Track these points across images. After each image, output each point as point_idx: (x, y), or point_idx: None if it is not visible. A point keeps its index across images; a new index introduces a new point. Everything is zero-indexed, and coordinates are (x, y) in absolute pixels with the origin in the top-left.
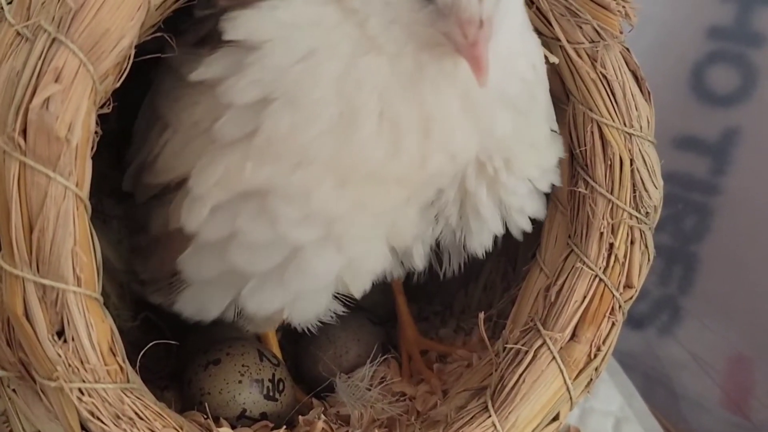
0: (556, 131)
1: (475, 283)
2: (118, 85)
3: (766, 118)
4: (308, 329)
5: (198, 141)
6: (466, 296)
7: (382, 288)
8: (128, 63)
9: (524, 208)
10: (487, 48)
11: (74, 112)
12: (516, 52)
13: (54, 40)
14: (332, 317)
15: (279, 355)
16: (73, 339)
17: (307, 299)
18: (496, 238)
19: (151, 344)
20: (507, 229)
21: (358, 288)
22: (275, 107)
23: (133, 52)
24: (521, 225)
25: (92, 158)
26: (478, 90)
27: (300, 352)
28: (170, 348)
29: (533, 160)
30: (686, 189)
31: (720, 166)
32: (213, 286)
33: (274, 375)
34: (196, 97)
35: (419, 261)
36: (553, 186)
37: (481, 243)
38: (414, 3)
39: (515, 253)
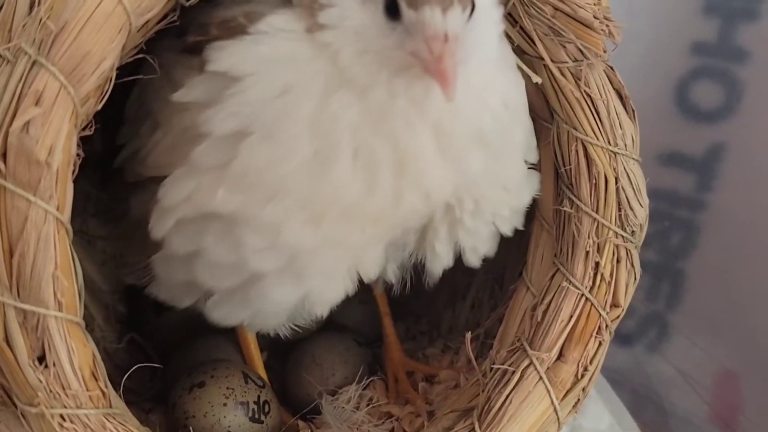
0: (534, 165)
1: (462, 302)
2: (100, 107)
3: (750, 134)
4: (294, 350)
5: (187, 145)
6: (454, 315)
7: (368, 309)
8: (110, 85)
9: (479, 248)
10: (453, 62)
11: (55, 136)
12: (488, 87)
13: (34, 62)
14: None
15: (264, 376)
16: (54, 364)
17: (267, 316)
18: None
19: (135, 367)
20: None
21: (319, 312)
22: (252, 140)
23: (114, 74)
24: (472, 262)
25: (76, 178)
26: (451, 122)
27: (286, 374)
28: (155, 369)
29: (504, 202)
30: (672, 205)
31: (706, 182)
32: (182, 287)
33: (259, 397)
34: (183, 105)
35: (391, 277)
36: (538, 206)
37: (432, 272)
38: (383, 29)
39: (502, 272)
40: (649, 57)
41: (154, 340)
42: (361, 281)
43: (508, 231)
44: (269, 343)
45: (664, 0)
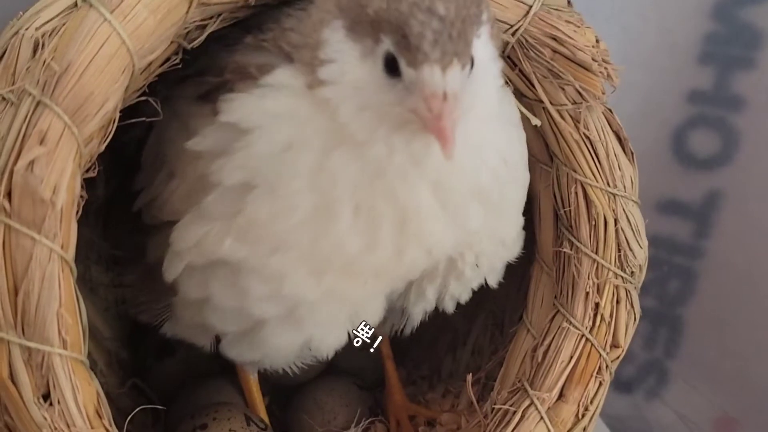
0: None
1: (462, 347)
2: (103, 148)
3: (747, 181)
4: (296, 394)
5: (201, 193)
6: (454, 360)
7: (368, 353)
8: (113, 126)
9: (462, 297)
10: (452, 121)
11: (59, 175)
12: (487, 143)
13: (39, 103)
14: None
15: (266, 419)
16: (59, 402)
17: (275, 356)
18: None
19: (138, 409)
20: (493, 292)
21: (324, 354)
22: (257, 194)
23: (118, 115)
24: (448, 308)
25: (79, 225)
26: (449, 178)
27: (288, 418)
28: (158, 414)
29: (500, 256)
30: (670, 252)
31: (703, 230)
32: (197, 327)
33: None
34: (197, 154)
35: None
36: (538, 248)
37: (413, 315)
38: (382, 85)
39: (502, 316)
40: (646, 105)
41: (157, 384)
42: None
43: (494, 284)
44: (271, 388)
45: (660, 49)
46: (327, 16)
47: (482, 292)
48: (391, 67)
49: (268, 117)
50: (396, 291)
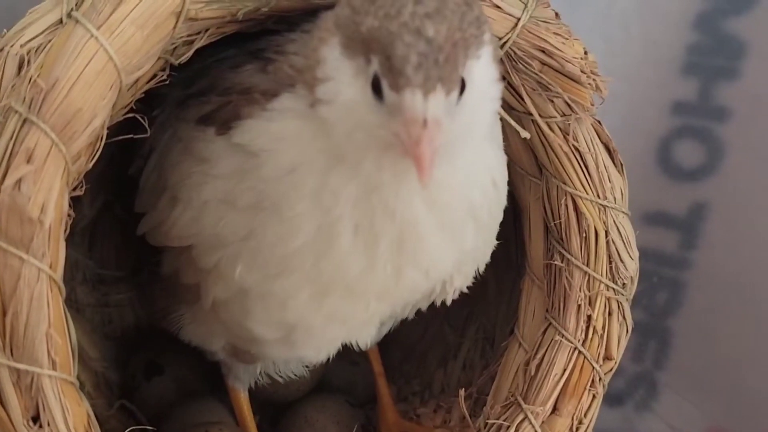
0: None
1: (453, 361)
2: (90, 166)
3: (733, 191)
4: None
5: (208, 216)
6: (445, 376)
7: (359, 370)
8: (101, 144)
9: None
10: (431, 149)
11: (47, 193)
12: (479, 163)
13: (25, 120)
14: None
15: None
16: (48, 424)
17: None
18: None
19: (129, 430)
20: (483, 306)
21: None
22: (264, 216)
23: (105, 133)
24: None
25: (66, 246)
26: (443, 196)
27: None
28: None
29: (471, 278)
30: (657, 264)
31: (690, 241)
32: (209, 336)
33: None
34: (203, 178)
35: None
36: (528, 262)
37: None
38: (371, 105)
39: (493, 331)
40: (631, 118)
41: (145, 405)
42: None
43: (448, 301)
44: (261, 406)
45: (643, 61)
46: (325, 35)
47: (473, 306)
48: (378, 88)
49: (275, 141)
50: (395, 314)
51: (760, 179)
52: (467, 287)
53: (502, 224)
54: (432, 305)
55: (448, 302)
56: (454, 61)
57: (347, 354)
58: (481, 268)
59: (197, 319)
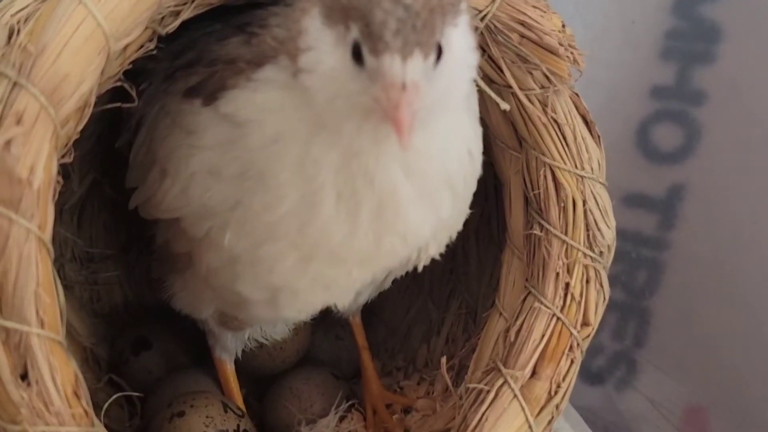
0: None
1: (437, 336)
2: (78, 132)
3: (710, 173)
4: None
5: (196, 187)
6: (429, 350)
7: (344, 344)
8: (89, 110)
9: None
10: (410, 112)
11: (36, 155)
12: (456, 131)
13: (15, 84)
14: None
15: (243, 408)
16: (36, 382)
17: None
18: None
19: (115, 396)
20: (466, 282)
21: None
22: (250, 186)
23: (93, 99)
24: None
25: (54, 224)
26: (418, 162)
27: (264, 408)
28: (134, 410)
29: (442, 248)
30: (636, 245)
31: (668, 222)
32: (198, 303)
33: (239, 426)
34: (191, 150)
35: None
36: (509, 234)
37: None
38: (351, 73)
39: (475, 306)
40: (610, 102)
41: (134, 379)
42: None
43: (420, 268)
44: (247, 380)
45: (622, 45)
46: (307, 5)
47: (456, 282)
48: (358, 55)
49: (259, 111)
50: (375, 281)
51: (735, 160)
52: (450, 264)
53: (484, 200)
54: (416, 283)
55: (419, 269)
56: (431, 26)
57: (332, 328)
58: (453, 237)
59: (187, 287)
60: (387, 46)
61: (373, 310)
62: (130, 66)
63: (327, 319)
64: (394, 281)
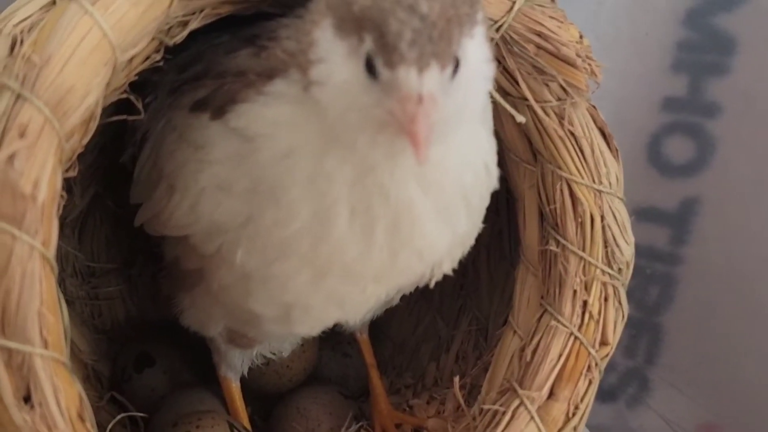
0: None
1: (446, 354)
2: (83, 147)
3: (723, 187)
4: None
5: (206, 203)
6: (438, 368)
7: (351, 362)
8: (94, 123)
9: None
10: (427, 125)
11: (40, 169)
12: (472, 145)
13: (18, 96)
14: None
15: (248, 426)
16: (40, 404)
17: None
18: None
19: (119, 417)
20: (476, 299)
21: None
22: (261, 201)
23: (99, 112)
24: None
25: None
26: (435, 176)
27: (271, 427)
28: (137, 430)
29: (455, 264)
30: (649, 260)
31: (681, 236)
32: (207, 320)
33: None
34: (199, 165)
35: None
36: (523, 250)
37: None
38: (365, 85)
39: (486, 323)
40: (621, 114)
41: (136, 397)
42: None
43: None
44: (253, 398)
45: (633, 57)
46: (317, 17)
47: (465, 299)
48: (371, 67)
49: (270, 125)
50: (388, 297)
51: (750, 174)
52: (461, 280)
53: (496, 215)
54: (424, 299)
55: (431, 286)
56: (448, 37)
57: (339, 346)
58: (466, 252)
59: (196, 305)
60: (402, 58)
61: (380, 326)
62: (136, 77)
63: (334, 337)
64: (403, 297)
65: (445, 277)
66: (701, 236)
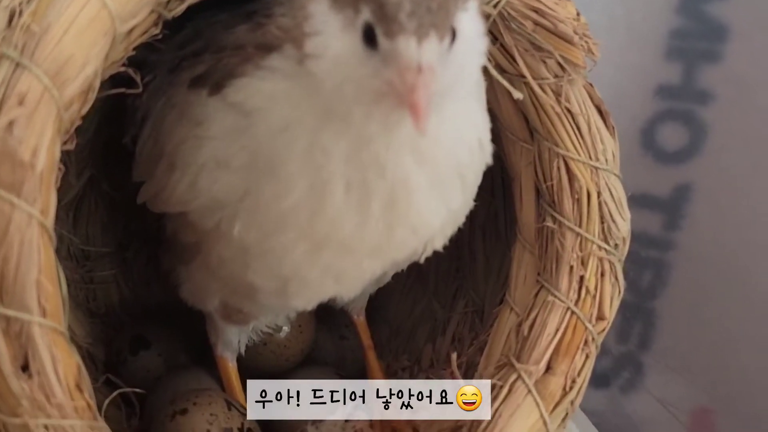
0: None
1: (442, 336)
2: (81, 119)
3: (716, 173)
4: None
5: (205, 179)
6: (434, 350)
7: (347, 344)
8: (93, 95)
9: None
10: (427, 94)
11: (39, 137)
12: (466, 119)
13: (17, 65)
14: None
15: (246, 405)
16: (38, 373)
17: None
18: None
19: (116, 392)
20: (472, 281)
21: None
22: (258, 176)
23: (98, 84)
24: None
25: None
26: (430, 150)
27: None
28: (132, 411)
29: (445, 241)
30: (642, 246)
31: (674, 222)
32: (204, 293)
33: (243, 424)
34: (198, 141)
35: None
36: (519, 228)
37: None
38: (361, 57)
39: (482, 304)
40: (615, 102)
41: (132, 379)
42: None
43: (421, 260)
44: (249, 379)
45: (627, 45)
46: None
47: (461, 281)
48: (369, 37)
49: (267, 99)
50: (384, 271)
51: (742, 160)
52: (456, 263)
53: (491, 197)
54: (420, 282)
55: (421, 261)
56: (446, 8)
57: (336, 328)
58: (455, 230)
59: (193, 278)
60: (402, 28)
61: (377, 309)
62: (135, 53)
63: (331, 320)
64: (398, 280)
65: (441, 259)
66: (694, 222)
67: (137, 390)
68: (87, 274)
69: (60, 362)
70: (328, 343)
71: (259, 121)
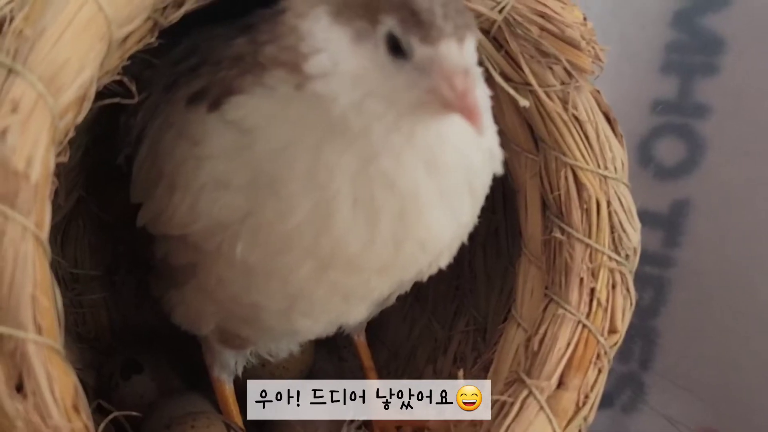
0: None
1: (443, 356)
2: (74, 129)
3: (714, 188)
4: None
5: (207, 199)
6: (435, 371)
7: (347, 366)
8: (88, 103)
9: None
10: (475, 96)
11: (33, 146)
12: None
13: (10, 70)
14: None
15: (242, 425)
16: (33, 393)
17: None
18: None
19: (112, 416)
20: (473, 299)
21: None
22: (261, 194)
23: (93, 91)
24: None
25: None
26: (444, 157)
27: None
28: None
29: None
30: (641, 263)
31: (672, 238)
32: (200, 317)
33: None
34: (198, 161)
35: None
36: (524, 242)
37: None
38: (387, 69)
39: (484, 323)
40: None
41: (124, 405)
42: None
43: (424, 278)
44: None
45: (622, 60)
46: (303, 9)
47: (461, 299)
48: (395, 48)
49: (266, 118)
50: (391, 290)
51: (741, 175)
52: (455, 281)
53: (492, 213)
54: (418, 302)
55: (424, 280)
56: (467, 10)
57: (335, 350)
58: (459, 245)
59: (186, 302)
60: (441, 32)
61: (374, 332)
62: (129, 62)
63: (330, 341)
64: (397, 301)
65: (440, 278)
66: (693, 238)
67: (133, 413)
68: (76, 298)
69: (56, 381)
70: (328, 364)
71: (259, 139)
